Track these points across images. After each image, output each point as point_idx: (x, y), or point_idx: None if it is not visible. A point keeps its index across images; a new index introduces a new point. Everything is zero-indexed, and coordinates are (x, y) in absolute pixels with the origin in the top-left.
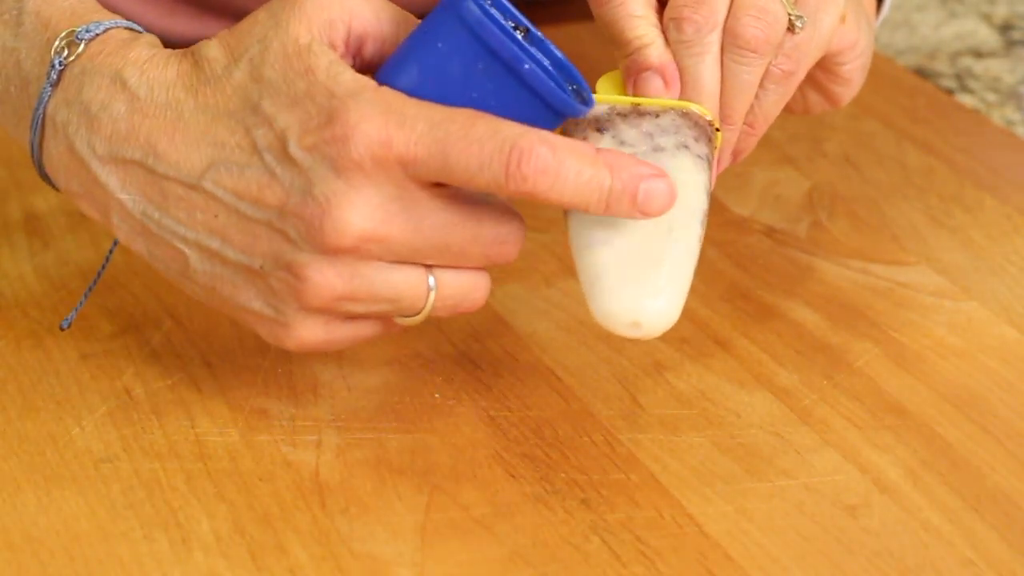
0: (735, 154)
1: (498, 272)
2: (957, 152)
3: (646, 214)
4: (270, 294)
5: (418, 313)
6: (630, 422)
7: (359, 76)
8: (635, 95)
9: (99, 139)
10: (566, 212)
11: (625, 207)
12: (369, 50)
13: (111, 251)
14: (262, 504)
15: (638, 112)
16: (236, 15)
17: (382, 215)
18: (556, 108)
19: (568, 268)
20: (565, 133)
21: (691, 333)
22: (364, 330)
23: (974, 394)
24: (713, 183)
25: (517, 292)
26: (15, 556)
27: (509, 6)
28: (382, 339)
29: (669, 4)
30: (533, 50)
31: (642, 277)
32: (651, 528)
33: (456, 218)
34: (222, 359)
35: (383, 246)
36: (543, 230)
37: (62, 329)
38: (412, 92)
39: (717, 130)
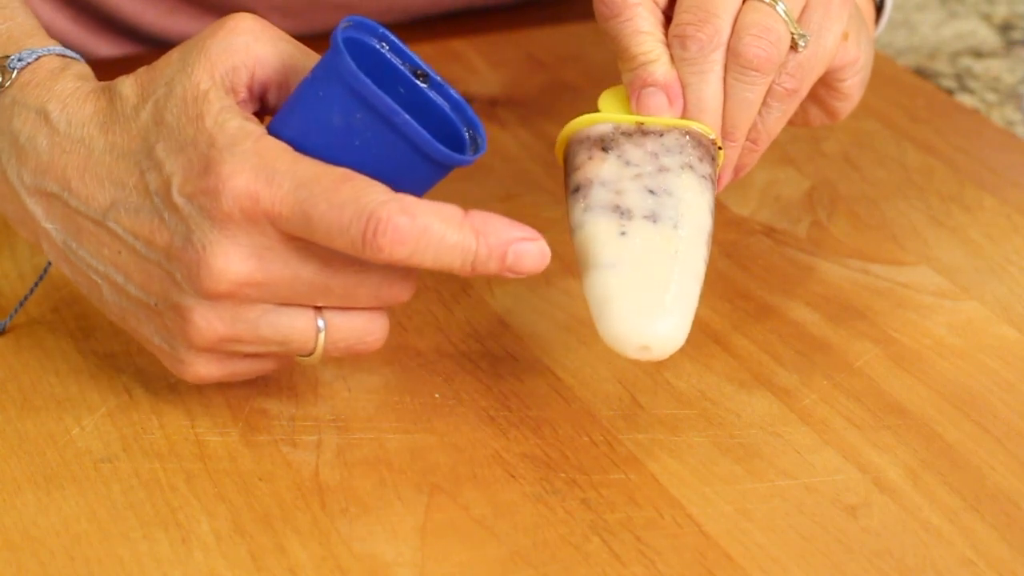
0: (737, 170)
1: None
2: (957, 152)
3: (517, 273)
4: (165, 331)
5: (311, 353)
6: (630, 422)
7: (246, 124)
8: (638, 111)
9: (26, 170)
10: (572, 233)
11: (493, 269)
12: (273, 97)
13: (45, 270)
14: (262, 504)
15: (642, 131)
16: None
17: (256, 263)
18: (434, 158)
19: (568, 268)
20: (569, 153)
21: (691, 333)
22: (261, 365)
23: (974, 394)
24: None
25: (517, 292)
26: (15, 556)
27: (406, 50)
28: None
29: (674, 21)
30: (432, 94)
31: (649, 300)
32: (651, 528)
33: (335, 264)
34: None
35: (263, 290)
36: (543, 230)
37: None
38: (298, 140)
39: (719, 148)
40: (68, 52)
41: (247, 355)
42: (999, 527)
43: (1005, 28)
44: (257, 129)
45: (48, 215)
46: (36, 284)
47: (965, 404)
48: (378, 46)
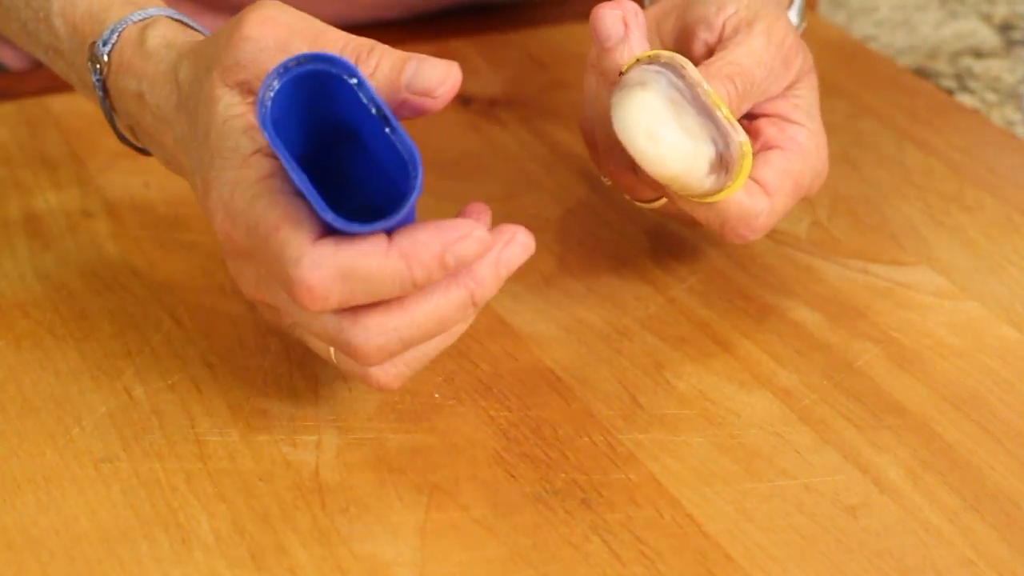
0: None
1: None
2: (957, 152)
3: (461, 266)
4: None
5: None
6: (630, 422)
7: (240, 143)
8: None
9: (153, 145)
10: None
11: (438, 278)
12: None
13: None
14: (262, 504)
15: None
16: (234, 11)
17: (254, 287)
18: (328, 221)
19: (568, 268)
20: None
21: (691, 333)
22: None
23: (974, 394)
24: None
25: (517, 292)
26: (15, 556)
27: (372, 91)
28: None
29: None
30: (392, 136)
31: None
32: (651, 528)
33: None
34: (222, 359)
35: (274, 309)
36: (543, 230)
37: None
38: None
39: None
40: (140, 14)
41: None
42: (999, 527)
43: (1005, 28)
44: (248, 148)
45: (187, 179)
46: None
47: (965, 404)
48: (348, 80)
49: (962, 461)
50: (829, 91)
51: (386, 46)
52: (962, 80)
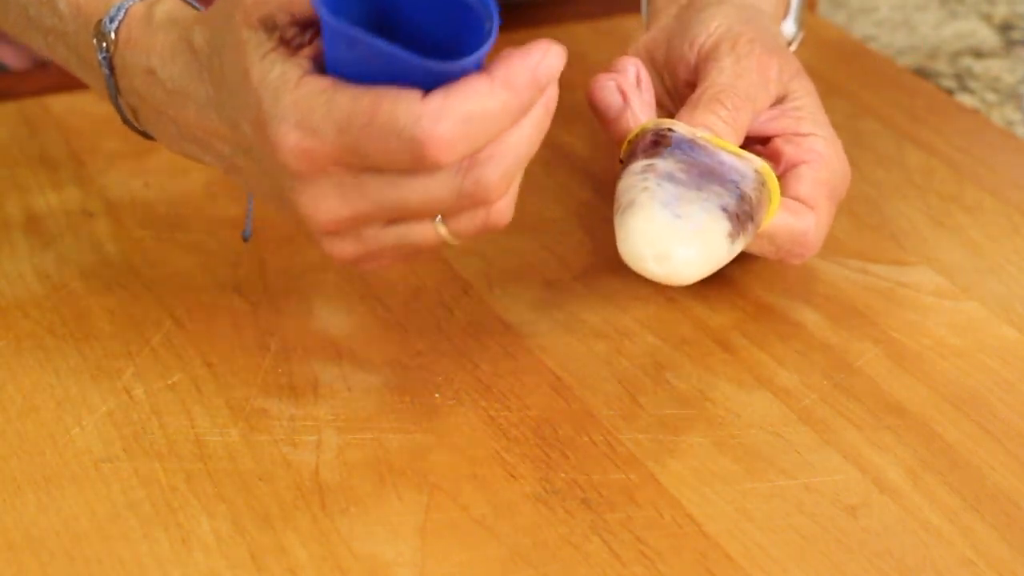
0: None
1: (498, 272)
2: (957, 152)
3: (550, 82)
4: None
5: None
6: (630, 422)
7: (286, 71)
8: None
9: (163, 121)
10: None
11: (536, 100)
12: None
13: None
14: (262, 504)
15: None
16: None
17: (339, 201)
18: (430, 72)
19: (568, 268)
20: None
21: (691, 333)
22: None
23: (974, 394)
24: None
25: (517, 292)
26: (15, 556)
27: None
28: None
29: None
30: None
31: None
32: (651, 528)
33: (405, 179)
34: (222, 359)
35: (361, 221)
36: (543, 230)
37: (245, 240)
38: (337, 69)
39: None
40: None
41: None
42: (999, 527)
43: (1005, 28)
44: (296, 73)
45: (203, 154)
46: (250, 201)
47: (965, 404)
48: None
49: (962, 461)
50: (829, 91)
51: (503, 60)
52: (962, 80)
